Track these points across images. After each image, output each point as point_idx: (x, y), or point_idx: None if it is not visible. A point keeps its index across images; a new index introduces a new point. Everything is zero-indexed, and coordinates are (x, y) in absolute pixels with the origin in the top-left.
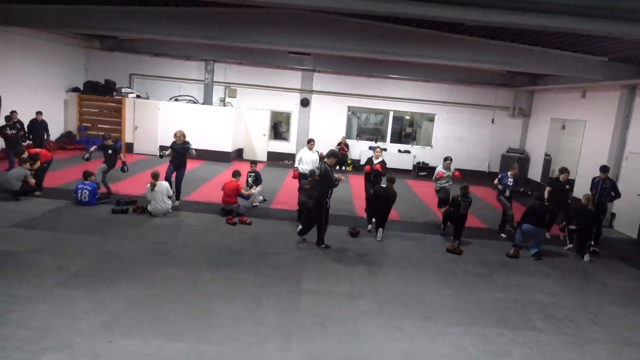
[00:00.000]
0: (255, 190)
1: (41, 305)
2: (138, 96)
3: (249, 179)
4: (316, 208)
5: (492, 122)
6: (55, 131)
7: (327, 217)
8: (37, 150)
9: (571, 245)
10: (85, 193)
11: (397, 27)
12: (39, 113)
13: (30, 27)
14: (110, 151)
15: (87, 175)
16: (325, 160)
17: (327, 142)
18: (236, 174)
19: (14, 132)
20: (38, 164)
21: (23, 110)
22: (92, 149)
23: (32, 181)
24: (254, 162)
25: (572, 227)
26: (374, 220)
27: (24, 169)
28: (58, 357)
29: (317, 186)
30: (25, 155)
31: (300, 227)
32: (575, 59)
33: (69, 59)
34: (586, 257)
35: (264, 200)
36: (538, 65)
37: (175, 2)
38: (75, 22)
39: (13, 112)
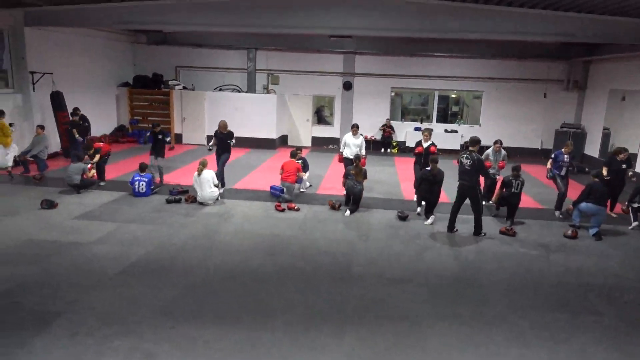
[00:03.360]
0: (305, 176)
1: (105, 292)
2: (184, 87)
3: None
4: (472, 198)
5: (545, 96)
6: (108, 125)
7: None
8: (99, 144)
9: (636, 224)
10: (142, 185)
11: (440, 3)
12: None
13: (78, 27)
14: (160, 136)
15: (143, 167)
16: (471, 149)
17: (371, 124)
18: (294, 154)
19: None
20: (97, 157)
21: (80, 107)
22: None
23: (90, 174)
24: (299, 149)
25: (636, 204)
26: (423, 203)
27: (82, 163)
28: (126, 343)
29: (469, 176)
30: (91, 151)
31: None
32: (637, 25)
33: (119, 54)
34: None
35: (310, 185)
36: (595, 35)
37: None
38: (123, 18)
39: (77, 109)
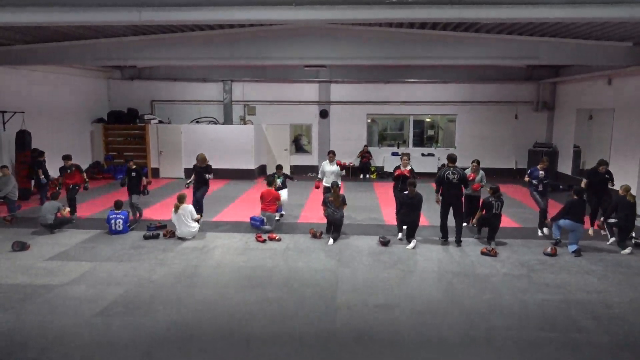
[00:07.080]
0: (284, 195)
1: (81, 337)
2: (160, 121)
3: (278, 180)
4: (455, 208)
5: (516, 117)
6: (83, 162)
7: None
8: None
9: (613, 239)
10: (119, 222)
11: (411, 32)
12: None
13: (52, 64)
14: (134, 174)
15: (118, 205)
16: (452, 165)
17: (349, 151)
18: (269, 182)
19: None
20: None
21: (53, 145)
22: (125, 177)
23: (65, 213)
24: (279, 167)
25: (612, 220)
26: (404, 228)
27: (56, 202)
28: None
29: (454, 189)
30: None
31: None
32: (598, 47)
33: (93, 90)
34: (627, 250)
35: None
36: (559, 57)
37: (190, 27)
38: (98, 55)
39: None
